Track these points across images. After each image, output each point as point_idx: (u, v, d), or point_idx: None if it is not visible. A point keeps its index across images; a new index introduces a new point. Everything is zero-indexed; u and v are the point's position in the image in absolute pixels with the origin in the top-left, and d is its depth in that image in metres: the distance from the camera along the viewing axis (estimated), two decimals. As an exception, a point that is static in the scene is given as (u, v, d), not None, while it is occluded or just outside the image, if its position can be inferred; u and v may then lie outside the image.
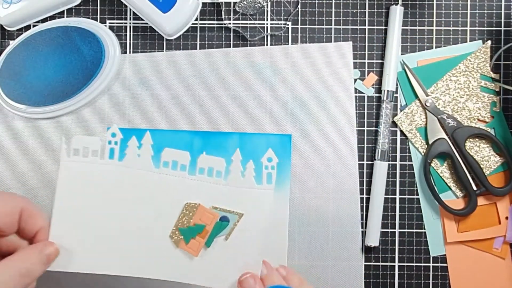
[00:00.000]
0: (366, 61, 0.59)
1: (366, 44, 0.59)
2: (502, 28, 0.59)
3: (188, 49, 0.59)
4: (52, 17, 0.59)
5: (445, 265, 0.58)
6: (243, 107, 0.58)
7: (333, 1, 0.59)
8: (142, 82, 0.59)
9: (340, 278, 0.58)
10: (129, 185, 0.49)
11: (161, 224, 0.49)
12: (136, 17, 0.59)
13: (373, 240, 0.57)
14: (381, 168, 0.57)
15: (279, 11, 0.59)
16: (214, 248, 0.49)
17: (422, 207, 0.58)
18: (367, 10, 0.59)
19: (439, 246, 0.58)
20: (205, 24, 0.59)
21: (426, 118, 0.58)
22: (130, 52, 0.59)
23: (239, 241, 0.50)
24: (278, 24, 0.59)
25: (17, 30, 0.59)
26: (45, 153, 0.58)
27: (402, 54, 0.59)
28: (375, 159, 0.58)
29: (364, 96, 0.59)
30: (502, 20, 0.59)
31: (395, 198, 0.58)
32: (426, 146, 0.58)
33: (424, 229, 0.58)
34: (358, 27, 0.59)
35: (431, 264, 0.58)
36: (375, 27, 0.59)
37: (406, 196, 0.58)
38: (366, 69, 0.59)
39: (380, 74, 0.58)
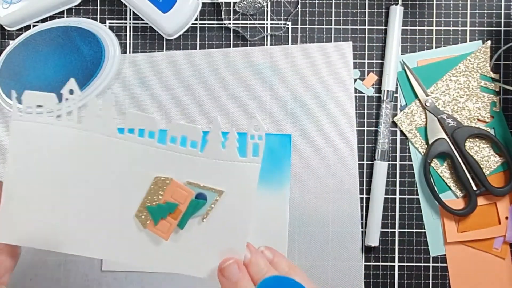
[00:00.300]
0: (366, 61, 0.59)
1: (366, 44, 0.59)
2: (502, 28, 0.59)
3: (188, 49, 0.59)
4: (52, 17, 0.59)
5: (445, 265, 0.58)
6: (243, 107, 0.58)
7: (333, 1, 0.59)
8: (142, 82, 0.59)
9: (340, 278, 0.58)
10: (88, 152, 0.42)
11: (125, 200, 0.42)
12: (136, 17, 0.59)
13: (373, 240, 0.57)
14: (381, 168, 0.57)
15: (279, 11, 0.59)
16: (189, 231, 0.42)
17: (422, 207, 0.58)
18: (367, 10, 0.59)
19: (439, 246, 0.58)
20: (205, 24, 0.59)
21: (426, 118, 0.58)
22: (130, 52, 0.59)
23: (219, 222, 0.42)
24: (278, 24, 0.59)
25: (17, 30, 0.59)
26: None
27: (402, 54, 0.59)
28: (375, 159, 0.58)
29: (364, 96, 0.59)
30: (502, 20, 0.59)
31: (395, 198, 0.58)
32: (426, 146, 0.58)
33: (424, 229, 0.58)
34: (358, 27, 0.59)
35: (431, 264, 0.58)
36: (375, 27, 0.59)
37: (406, 196, 0.58)
38: (366, 69, 0.59)
39: (380, 74, 0.58)
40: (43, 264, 0.57)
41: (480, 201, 0.57)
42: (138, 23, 0.59)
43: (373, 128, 0.58)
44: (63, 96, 0.42)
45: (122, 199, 0.42)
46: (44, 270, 0.57)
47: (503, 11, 0.59)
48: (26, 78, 0.57)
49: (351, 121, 0.58)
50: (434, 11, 0.59)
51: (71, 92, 0.42)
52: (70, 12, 0.59)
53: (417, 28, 0.59)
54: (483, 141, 0.58)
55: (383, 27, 0.59)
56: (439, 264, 0.58)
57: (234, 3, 0.59)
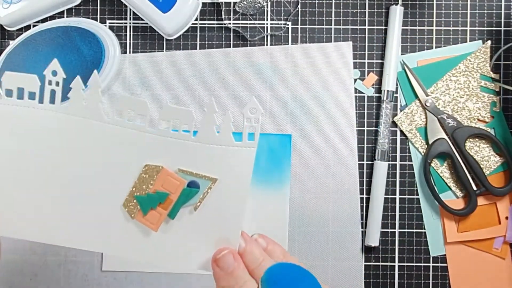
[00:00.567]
0: (366, 61, 0.59)
1: (366, 44, 0.59)
2: (502, 28, 0.59)
3: (188, 49, 0.59)
4: (52, 17, 0.59)
5: (445, 265, 0.58)
6: (243, 107, 0.58)
7: (333, 1, 0.59)
8: (142, 82, 0.59)
9: (340, 278, 0.58)
10: (73, 137, 0.39)
11: (113, 189, 0.39)
12: (136, 17, 0.59)
13: (373, 240, 0.57)
14: (381, 168, 0.57)
15: (279, 11, 0.59)
16: (180, 220, 0.39)
17: (422, 207, 0.58)
18: (367, 10, 0.59)
19: (439, 246, 0.58)
20: (205, 24, 0.59)
21: (426, 118, 0.58)
22: (130, 52, 0.59)
23: (212, 211, 0.39)
24: (278, 24, 0.59)
25: (17, 30, 0.59)
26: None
27: (402, 54, 0.59)
28: (375, 159, 0.58)
29: (364, 96, 0.59)
30: (502, 20, 0.59)
31: (395, 198, 0.58)
32: (426, 146, 0.58)
33: (424, 229, 0.58)
34: (358, 27, 0.59)
35: (431, 264, 0.58)
36: (375, 27, 0.59)
37: (406, 196, 0.58)
38: (366, 69, 0.59)
39: (380, 74, 0.58)
40: (43, 264, 0.57)
41: (480, 201, 0.57)
42: (138, 23, 0.59)
43: (373, 128, 0.58)
44: (46, 77, 0.39)
45: (110, 187, 0.39)
46: (44, 270, 0.57)
47: (503, 11, 0.59)
48: (26, 78, 0.57)
49: (351, 121, 0.58)
50: (434, 11, 0.59)
51: (54, 73, 0.39)
52: (70, 12, 0.59)
53: (417, 28, 0.59)
54: (483, 141, 0.58)
55: (383, 27, 0.59)
56: (439, 264, 0.58)
57: (234, 3, 0.59)
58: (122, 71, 0.58)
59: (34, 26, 0.59)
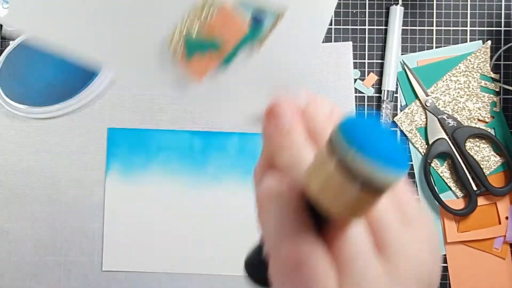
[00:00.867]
0: (366, 61, 0.59)
1: (366, 44, 0.59)
2: (502, 28, 0.59)
3: (188, 49, 0.59)
4: (52, 17, 0.59)
5: (445, 265, 0.58)
6: (243, 107, 0.58)
7: (333, 1, 0.59)
8: (142, 82, 0.59)
9: (340, 278, 0.58)
10: None
11: (159, 18, 0.30)
12: (136, 17, 0.59)
13: (373, 240, 0.57)
14: (381, 168, 0.57)
15: (279, 11, 0.59)
16: (233, 67, 0.31)
17: (422, 207, 0.58)
18: (367, 10, 0.59)
19: (439, 246, 0.58)
20: (205, 24, 0.59)
21: (426, 118, 0.58)
22: (130, 52, 0.59)
23: (275, 52, 0.31)
24: (278, 24, 0.59)
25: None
26: (45, 153, 0.58)
27: (402, 54, 0.59)
28: (375, 159, 0.58)
29: (364, 96, 0.59)
30: (502, 20, 0.59)
31: (395, 198, 0.58)
32: (426, 146, 0.58)
33: (424, 229, 0.58)
34: (358, 27, 0.59)
35: (431, 264, 0.58)
36: (375, 27, 0.59)
37: (406, 196, 0.58)
38: (366, 69, 0.59)
39: (380, 74, 0.58)
40: (43, 264, 0.57)
41: (480, 201, 0.57)
42: (138, 23, 0.59)
43: (373, 128, 0.58)
44: None
45: (156, 15, 0.30)
46: (44, 270, 0.57)
47: (503, 11, 0.59)
48: (26, 78, 0.57)
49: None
50: (434, 11, 0.59)
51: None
52: (70, 12, 0.59)
53: (417, 28, 0.59)
54: (483, 141, 0.58)
55: (383, 27, 0.59)
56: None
57: (234, 3, 0.59)
58: (122, 71, 0.58)
59: (34, 26, 0.59)
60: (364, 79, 0.58)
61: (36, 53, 0.57)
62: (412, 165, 0.58)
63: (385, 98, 0.57)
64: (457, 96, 0.58)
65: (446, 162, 0.58)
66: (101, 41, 0.30)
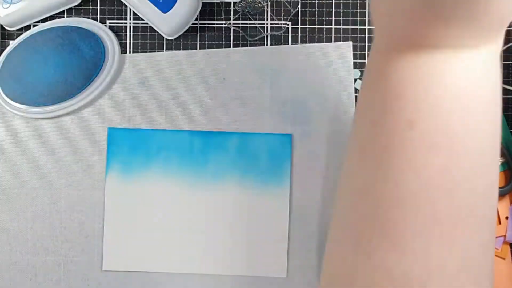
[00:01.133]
0: (366, 61, 0.59)
1: (366, 44, 0.59)
2: (502, 28, 0.59)
3: (188, 49, 0.59)
4: (52, 17, 0.59)
5: (445, 265, 0.58)
6: (243, 107, 0.58)
7: (333, 1, 0.59)
8: (142, 82, 0.59)
9: (340, 278, 0.58)
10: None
11: None
12: (136, 17, 0.59)
13: (373, 240, 0.57)
14: (381, 168, 0.57)
15: (279, 11, 0.59)
16: None
17: (422, 207, 0.58)
18: (367, 10, 0.59)
19: None
20: (205, 24, 0.59)
21: (426, 118, 0.58)
22: (130, 52, 0.59)
23: None
24: (278, 24, 0.59)
25: (17, 30, 0.59)
26: (45, 153, 0.58)
27: (402, 54, 0.58)
28: (375, 159, 0.58)
29: (364, 96, 0.58)
30: (502, 20, 0.59)
31: (395, 198, 0.58)
32: (426, 146, 0.58)
33: (424, 229, 0.58)
34: (358, 27, 0.59)
35: (431, 264, 0.58)
36: (375, 27, 0.59)
37: (406, 196, 0.58)
38: (366, 69, 0.59)
39: (380, 74, 0.58)
40: (43, 264, 0.57)
41: (480, 201, 0.57)
42: (138, 23, 0.59)
43: (373, 128, 0.58)
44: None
45: None
46: (44, 270, 0.57)
47: (503, 11, 0.59)
48: (26, 78, 0.57)
49: (351, 121, 0.58)
50: (434, 11, 0.59)
51: None
52: (70, 12, 0.59)
53: (417, 28, 0.59)
54: (483, 141, 0.58)
55: (383, 27, 0.59)
56: (439, 264, 0.58)
57: (234, 3, 0.59)
58: (122, 71, 0.58)
59: (34, 26, 0.59)
60: (364, 79, 0.58)
61: (36, 53, 0.57)
62: (412, 165, 0.58)
63: (385, 98, 0.57)
64: (457, 96, 0.58)
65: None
66: None
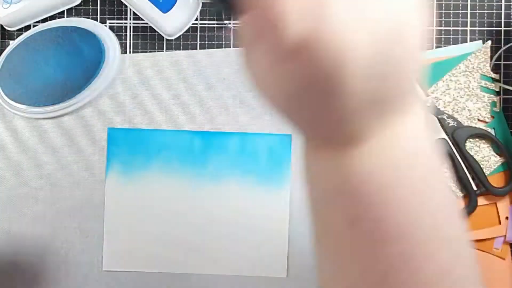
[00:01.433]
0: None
1: (366, 44, 0.59)
2: (502, 28, 0.59)
3: (188, 49, 0.59)
4: (52, 17, 0.59)
5: (445, 265, 0.58)
6: (243, 107, 0.58)
7: (333, 1, 0.59)
8: (142, 82, 0.59)
9: (340, 278, 0.58)
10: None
11: None
12: (136, 17, 0.59)
13: (373, 240, 0.57)
14: (381, 168, 0.57)
15: (279, 11, 0.59)
16: None
17: (422, 207, 0.58)
18: (367, 10, 0.59)
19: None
20: (205, 24, 0.59)
21: (426, 118, 0.58)
22: (130, 52, 0.59)
23: None
24: (278, 24, 0.59)
25: (17, 30, 0.59)
26: (45, 153, 0.58)
27: (402, 54, 0.58)
28: (375, 159, 0.58)
29: (364, 96, 0.58)
30: (502, 20, 0.59)
31: (395, 198, 0.58)
32: (426, 146, 0.58)
33: (424, 229, 0.58)
34: (358, 27, 0.59)
35: (431, 264, 0.58)
36: (375, 27, 0.59)
37: (406, 196, 0.58)
38: (366, 69, 0.58)
39: (380, 74, 0.58)
40: (43, 264, 0.57)
41: (480, 201, 0.57)
42: (138, 23, 0.59)
43: (373, 128, 0.58)
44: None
45: None
46: (44, 270, 0.57)
47: (503, 11, 0.59)
48: (26, 78, 0.57)
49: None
50: (434, 11, 0.59)
51: None
52: (70, 12, 0.59)
53: (417, 28, 0.59)
54: (483, 141, 0.58)
55: (383, 27, 0.59)
56: (439, 264, 0.58)
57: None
58: (122, 71, 0.58)
59: (34, 26, 0.59)
60: (364, 79, 0.58)
61: (36, 53, 0.57)
62: (412, 165, 0.58)
63: (385, 98, 0.57)
64: (457, 96, 0.58)
65: (446, 162, 0.58)
66: None
